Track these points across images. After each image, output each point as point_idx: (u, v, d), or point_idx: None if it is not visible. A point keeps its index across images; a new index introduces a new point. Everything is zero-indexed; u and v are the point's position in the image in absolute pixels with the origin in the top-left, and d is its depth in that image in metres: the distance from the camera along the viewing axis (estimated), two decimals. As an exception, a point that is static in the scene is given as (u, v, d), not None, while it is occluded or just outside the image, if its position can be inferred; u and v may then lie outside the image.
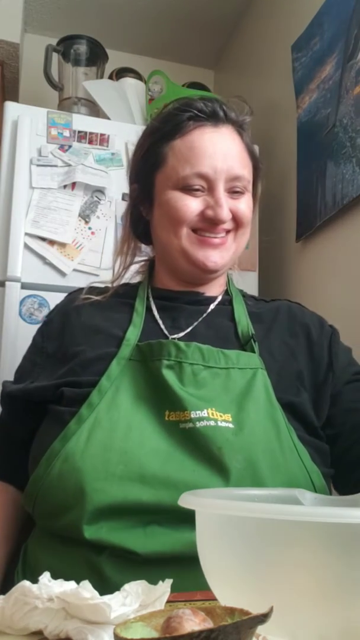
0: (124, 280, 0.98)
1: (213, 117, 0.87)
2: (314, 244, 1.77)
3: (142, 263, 1.01)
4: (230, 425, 0.74)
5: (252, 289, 1.80)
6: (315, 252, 1.77)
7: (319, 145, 1.71)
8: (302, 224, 1.80)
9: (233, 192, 0.86)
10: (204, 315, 0.89)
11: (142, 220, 0.94)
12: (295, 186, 1.84)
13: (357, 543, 0.39)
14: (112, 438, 0.73)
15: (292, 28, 1.94)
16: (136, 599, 0.48)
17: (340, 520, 0.39)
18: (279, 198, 2.02)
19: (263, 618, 0.36)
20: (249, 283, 1.76)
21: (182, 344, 0.80)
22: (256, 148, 0.98)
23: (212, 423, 0.74)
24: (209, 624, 0.37)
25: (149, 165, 0.89)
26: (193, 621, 0.37)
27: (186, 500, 0.47)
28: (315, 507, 0.54)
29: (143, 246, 1.01)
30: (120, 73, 2.21)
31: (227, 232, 0.87)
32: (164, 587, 0.49)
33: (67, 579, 0.49)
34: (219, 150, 0.84)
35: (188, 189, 0.84)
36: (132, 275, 1.00)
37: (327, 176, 1.65)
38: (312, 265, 1.79)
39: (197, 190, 0.84)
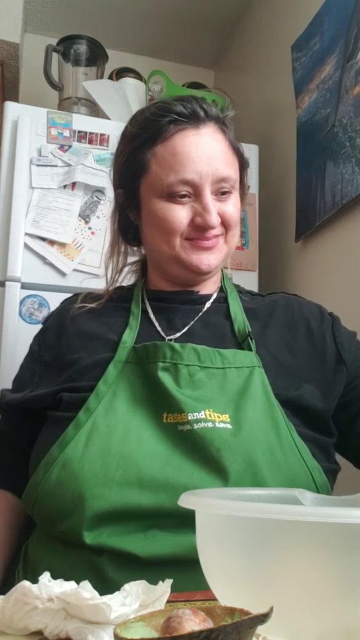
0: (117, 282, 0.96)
1: (193, 118, 0.84)
2: (314, 244, 1.77)
3: (135, 263, 0.99)
4: (228, 426, 0.74)
5: (252, 289, 1.80)
6: (315, 251, 1.76)
7: (319, 145, 1.71)
8: (302, 223, 1.80)
9: (220, 194, 0.84)
10: (200, 314, 0.88)
11: (131, 225, 0.93)
12: (295, 186, 1.84)
13: (357, 543, 0.39)
14: (110, 443, 0.73)
15: (292, 28, 1.94)
16: (136, 599, 0.48)
17: (340, 520, 0.39)
18: (278, 198, 2.02)
19: (263, 618, 0.36)
20: (249, 283, 1.76)
21: (177, 345, 0.79)
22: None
23: (209, 424, 0.73)
24: (209, 624, 0.37)
25: (132, 173, 0.87)
26: (193, 621, 0.37)
27: (186, 500, 0.47)
28: (316, 507, 0.54)
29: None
30: (120, 73, 2.21)
31: (217, 236, 0.85)
32: (164, 587, 0.49)
33: (67, 578, 0.49)
34: (203, 153, 0.82)
35: (174, 197, 0.82)
36: (125, 274, 0.98)
37: (326, 176, 1.65)
38: (311, 265, 1.78)
39: (184, 196, 0.82)
